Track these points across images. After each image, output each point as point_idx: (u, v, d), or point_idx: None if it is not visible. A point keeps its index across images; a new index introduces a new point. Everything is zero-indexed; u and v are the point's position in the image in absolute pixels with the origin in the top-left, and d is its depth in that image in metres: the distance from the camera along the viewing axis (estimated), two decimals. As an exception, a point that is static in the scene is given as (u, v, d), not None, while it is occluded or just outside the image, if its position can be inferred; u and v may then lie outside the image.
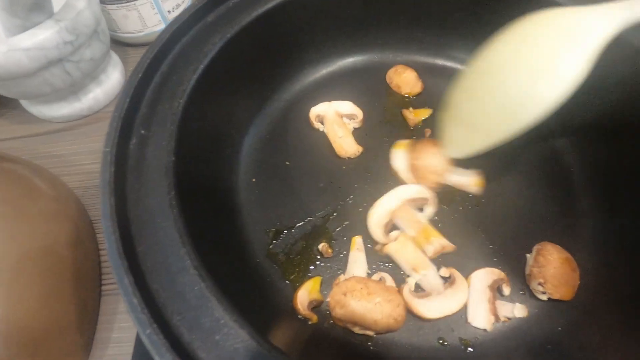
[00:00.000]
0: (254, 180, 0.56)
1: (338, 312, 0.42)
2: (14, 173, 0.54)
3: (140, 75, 0.44)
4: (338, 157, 0.57)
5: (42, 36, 0.52)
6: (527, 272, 0.46)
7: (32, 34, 0.52)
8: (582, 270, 0.46)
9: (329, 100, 0.62)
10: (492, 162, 0.56)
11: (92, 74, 0.66)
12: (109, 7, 0.70)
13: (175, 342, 0.29)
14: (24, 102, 0.69)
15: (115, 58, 0.74)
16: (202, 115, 0.48)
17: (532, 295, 0.46)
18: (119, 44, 0.80)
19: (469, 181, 0.53)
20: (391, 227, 0.50)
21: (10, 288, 0.42)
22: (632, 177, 0.49)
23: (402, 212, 0.49)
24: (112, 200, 0.34)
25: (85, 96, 0.67)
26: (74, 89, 0.65)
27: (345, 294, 0.42)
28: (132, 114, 0.42)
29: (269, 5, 0.55)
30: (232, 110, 0.55)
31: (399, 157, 0.54)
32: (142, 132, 0.42)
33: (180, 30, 0.50)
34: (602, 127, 0.54)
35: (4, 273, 0.42)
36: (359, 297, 0.41)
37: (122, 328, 0.48)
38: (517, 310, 0.43)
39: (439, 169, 0.51)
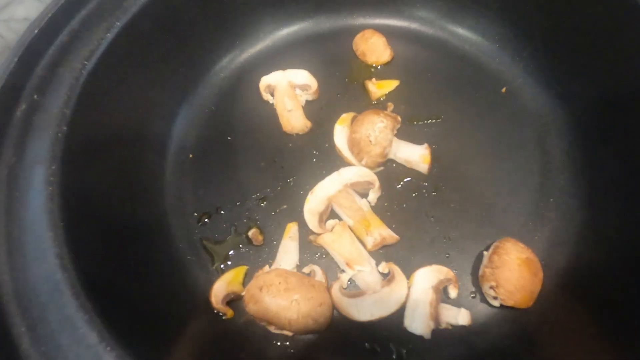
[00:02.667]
0: (191, 156, 0.50)
1: (252, 308, 0.37)
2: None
3: (36, 32, 0.38)
4: (285, 133, 0.51)
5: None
6: (480, 272, 0.39)
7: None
8: (548, 273, 0.39)
9: (285, 69, 0.55)
10: (454, 135, 0.49)
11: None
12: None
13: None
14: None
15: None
16: (117, 80, 0.43)
17: (484, 300, 0.39)
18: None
19: (417, 157, 0.45)
20: (330, 214, 0.44)
21: None
22: (622, 166, 0.41)
23: (341, 199, 0.43)
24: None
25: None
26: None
27: (261, 289, 0.37)
28: (23, 76, 0.37)
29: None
30: (162, 76, 0.49)
31: (341, 133, 0.47)
32: (35, 97, 0.37)
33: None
34: (596, 101, 0.46)
35: None
36: (275, 293, 0.36)
37: None
38: (461, 317, 0.37)
39: (380, 141, 0.43)
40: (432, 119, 0.51)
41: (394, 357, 0.37)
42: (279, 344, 0.38)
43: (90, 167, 0.37)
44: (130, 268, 0.36)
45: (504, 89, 0.52)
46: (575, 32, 0.47)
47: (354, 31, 0.58)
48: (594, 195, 0.43)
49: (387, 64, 0.56)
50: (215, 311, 0.39)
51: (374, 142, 0.44)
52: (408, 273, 0.40)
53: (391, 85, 0.54)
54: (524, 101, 0.51)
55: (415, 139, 0.48)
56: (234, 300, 0.40)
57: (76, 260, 0.29)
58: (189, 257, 0.43)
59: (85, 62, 0.39)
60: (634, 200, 0.38)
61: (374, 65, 0.56)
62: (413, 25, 0.59)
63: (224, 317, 0.39)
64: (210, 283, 0.41)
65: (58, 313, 0.26)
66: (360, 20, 0.60)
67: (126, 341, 0.26)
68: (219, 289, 0.40)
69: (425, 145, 0.47)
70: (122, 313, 0.29)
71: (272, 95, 0.54)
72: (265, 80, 0.54)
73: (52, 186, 0.32)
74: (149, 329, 0.32)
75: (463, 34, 0.56)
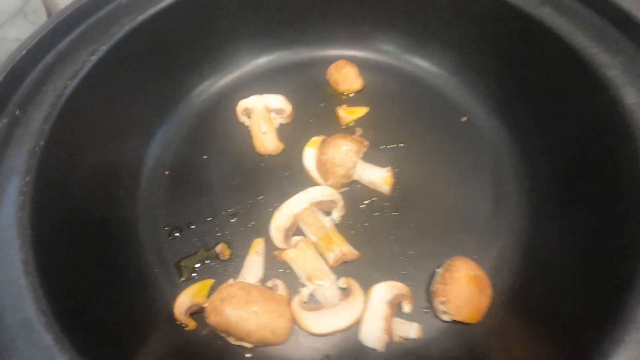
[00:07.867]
0: (167, 173, 0.52)
1: (213, 319, 0.38)
2: None
3: (24, 52, 0.41)
4: (259, 153, 0.54)
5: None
6: (432, 288, 0.42)
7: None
8: (496, 290, 0.41)
9: (262, 94, 0.59)
10: (416, 159, 0.52)
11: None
12: (50, -12, 0.68)
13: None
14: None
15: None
16: (99, 99, 0.45)
17: (436, 315, 0.41)
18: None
19: (379, 179, 0.48)
20: (295, 231, 0.46)
21: None
22: (563, 194, 0.44)
23: (306, 216, 0.45)
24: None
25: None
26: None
27: (222, 301, 0.38)
28: (7, 93, 0.39)
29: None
30: (144, 97, 0.52)
31: (311, 155, 0.51)
32: (17, 112, 0.39)
33: (88, 7, 0.47)
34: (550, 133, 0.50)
35: None
36: (236, 305, 0.38)
37: None
38: (412, 330, 0.39)
39: (344, 163, 0.47)
40: (396, 144, 0.54)
41: (348, 369, 0.39)
42: (239, 355, 0.39)
43: (63, 179, 0.39)
44: (96, 277, 0.37)
45: (464, 118, 0.57)
46: (522, 72, 0.52)
47: (329, 61, 0.63)
48: (538, 219, 0.46)
49: (358, 92, 0.60)
50: (178, 322, 0.40)
51: (339, 163, 0.47)
52: (367, 288, 0.42)
53: (361, 111, 0.58)
54: (481, 130, 0.55)
55: (381, 162, 0.52)
56: (197, 312, 0.42)
57: (41, 267, 0.30)
58: (156, 270, 0.44)
59: (69, 82, 0.42)
60: (571, 225, 0.42)
61: (345, 93, 0.61)
62: (382, 58, 0.63)
63: (185, 328, 0.40)
64: (176, 295, 0.42)
65: (17, 316, 0.27)
66: (335, 52, 0.64)
67: (82, 344, 0.27)
68: (183, 301, 0.41)
69: (388, 167, 0.50)
70: (83, 319, 0.30)
71: (249, 117, 0.57)
72: (243, 104, 0.58)
73: (24, 196, 0.34)
74: (108, 336, 0.33)
75: (427, 67, 0.61)
